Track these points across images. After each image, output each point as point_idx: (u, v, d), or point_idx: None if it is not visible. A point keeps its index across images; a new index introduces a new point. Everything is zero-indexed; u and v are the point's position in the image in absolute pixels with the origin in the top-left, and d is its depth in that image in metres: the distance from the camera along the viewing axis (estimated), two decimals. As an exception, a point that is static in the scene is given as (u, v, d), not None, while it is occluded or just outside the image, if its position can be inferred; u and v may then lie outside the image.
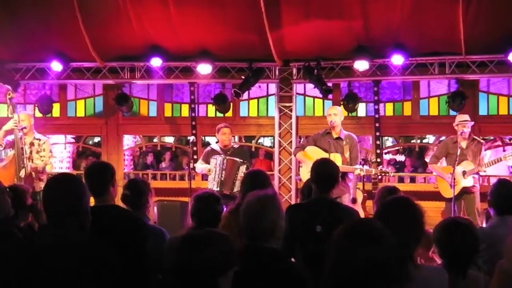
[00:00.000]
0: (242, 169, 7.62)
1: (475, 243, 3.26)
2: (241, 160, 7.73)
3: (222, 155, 7.80)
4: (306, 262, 4.13)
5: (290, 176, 9.97)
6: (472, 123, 7.77)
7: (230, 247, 2.58)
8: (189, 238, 2.62)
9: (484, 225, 7.26)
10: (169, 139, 13.37)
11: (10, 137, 7.91)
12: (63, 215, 2.82)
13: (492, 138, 10.89)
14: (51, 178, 3.14)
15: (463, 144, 7.64)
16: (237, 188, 7.34)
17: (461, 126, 7.60)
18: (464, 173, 7.52)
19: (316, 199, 4.51)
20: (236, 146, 8.29)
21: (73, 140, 12.57)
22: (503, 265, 3.12)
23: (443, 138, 10.47)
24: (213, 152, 7.98)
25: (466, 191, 7.57)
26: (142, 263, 3.48)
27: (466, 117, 7.74)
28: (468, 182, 7.55)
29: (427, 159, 11.48)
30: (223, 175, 7.67)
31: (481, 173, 7.70)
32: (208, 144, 10.13)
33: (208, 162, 7.90)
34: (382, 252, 2.11)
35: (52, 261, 2.70)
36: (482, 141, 7.85)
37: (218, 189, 7.58)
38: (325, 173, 4.53)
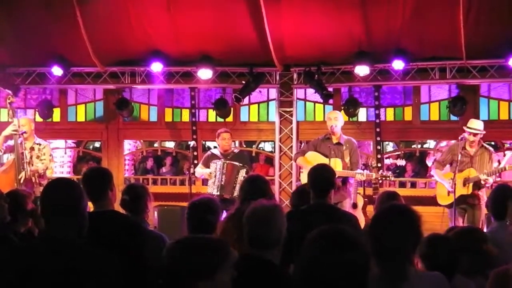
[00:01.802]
0: (242, 173, 7.64)
1: (450, 256, 3.27)
2: (241, 164, 7.74)
3: (222, 160, 7.81)
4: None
5: (291, 181, 9.95)
6: (484, 132, 7.38)
7: (217, 253, 2.61)
8: (178, 242, 2.73)
9: (485, 230, 7.15)
10: (170, 144, 13.37)
11: (11, 142, 7.90)
12: (61, 219, 2.81)
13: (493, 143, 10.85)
14: (49, 182, 3.14)
15: (471, 151, 7.35)
16: (237, 192, 7.32)
17: (473, 135, 7.26)
18: (465, 180, 7.22)
19: (314, 205, 4.49)
20: (236, 151, 8.31)
21: (73, 145, 12.56)
22: (509, 271, 3.07)
23: (443, 144, 10.45)
24: (213, 156, 7.99)
25: (467, 201, 7.28)
26: (141, 268, 3.47)
27: (480, 125, 7.36)
28: (465, 190, 7.22)
29: (428, 162, 11.45)
30: (223, 180, 7.68)
31: (487, 184, 7.20)
32: (209, 148, 10.13)
33: (208, 167, 7.91)
34: (355, 259, 2.12)
35: (49, 265, 2.69)
36: (491, 149, 7.51)
37: (218, 193, 7.60)
38: (320, 178, 4.51)
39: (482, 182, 7.18)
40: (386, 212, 2.98)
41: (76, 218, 2.86)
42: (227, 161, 7.77)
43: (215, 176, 7.73)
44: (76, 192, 2.92)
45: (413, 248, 2.86)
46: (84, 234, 2.87)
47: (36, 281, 2.67)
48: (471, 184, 7.23)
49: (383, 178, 7.74)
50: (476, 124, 7.38)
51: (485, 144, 7.49)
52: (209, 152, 8.29)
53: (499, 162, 7.93)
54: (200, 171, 8.12)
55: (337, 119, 7.61)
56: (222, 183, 7.68)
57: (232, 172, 7.70)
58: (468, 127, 7.35)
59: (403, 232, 2.76)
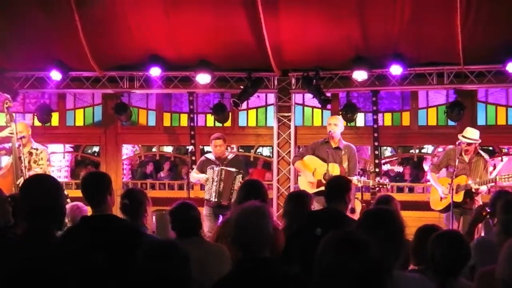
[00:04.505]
0: (239, 179, 7.66)
1: (466, 255, 3.25)
2: (237, 170, 7.75)
3: (219, 166, 7.81)
4: (305, 268, 4.13)
5: (289, 186, 9.95)
6: (479, 141, 7.37)
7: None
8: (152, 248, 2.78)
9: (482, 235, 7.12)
10: (168, 149, 13.37)
11: (8, 145, 7.91)
12: (40, 216, 2.83)
13: (490, 148, 10.87)
14: (25, 180, 3.16)
15: (466, 158, 7.36)
16: (234, 198, 7.35)
17: (467, 144, 7.26)
18: (457, 187, 7.20)
19: (324, 209, 4.65)
20: (231, 156, 8.29)
21: (71, 149, 12.57)
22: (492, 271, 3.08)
23: (440, 149, 10.46)
24: (208, 161, 7.98)
25: (462, 206, 7.27)
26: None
27: (475, 135, 7.34)
28: (458, 197, 7.20)
29: (425, 166, 11.46)
30: (221, 186, 7.68)
31: (480, 192, 7.26)
32: (207, 153, 10.14)
33: (203, 172, 7.91)
34: (369, 262, 2.12)
35: (29, 262, 2.71)
36: (486, 157, 7.49)
37: (216, 200, 7.62)
38: (333, 185, 4.74)
39: (473, 191, 7.18)
40: (369, 216, 2.99)
41: (54, 213, 2.88)
42: (224, 168, 7.78)
43: (212, 182, 7.72)
44: (53, 187, 2.95)
45: (395, 255, 2.83)
46: (62, 227, 2.89)
47: (14, 278, 2.69)
48: (462, 192, 7.22)
49: (380, 186, 7.79)
50: (471, 134, 7.36)
51: (481, 152, 7.50)
52: (203, 157, 8.28)
53: (494, 166, 7.93)
54: (195, 176, 8.12)
55: (337, 125, 7.64)
56: (220, 189, 7.69)
57: (229, 178, 7.71)
58: (463, 136, 7.35)
59: (386, 237, 2.75)
